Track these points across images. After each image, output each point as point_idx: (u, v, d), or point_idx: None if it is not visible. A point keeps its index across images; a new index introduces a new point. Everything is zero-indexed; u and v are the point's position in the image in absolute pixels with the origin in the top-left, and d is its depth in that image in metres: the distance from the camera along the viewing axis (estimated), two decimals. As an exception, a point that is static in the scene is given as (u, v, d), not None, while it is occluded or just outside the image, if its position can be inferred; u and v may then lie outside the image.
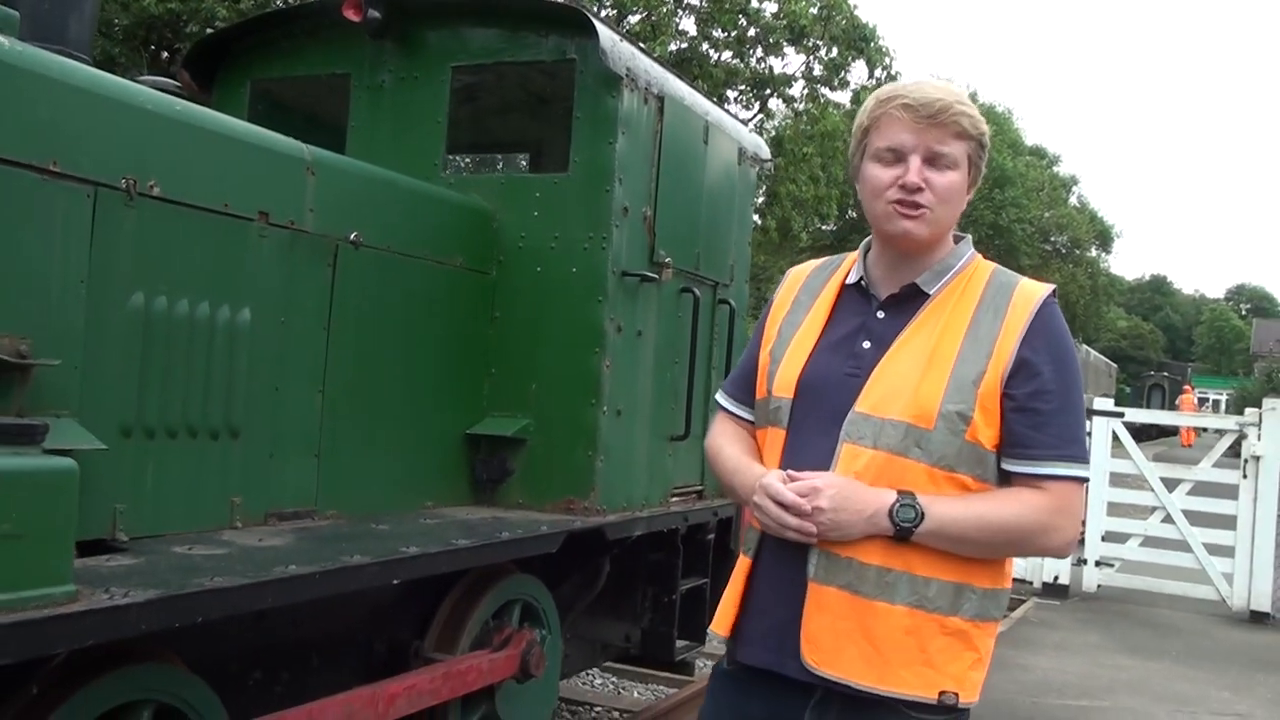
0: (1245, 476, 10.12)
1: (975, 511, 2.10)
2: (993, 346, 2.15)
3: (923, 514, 2.07)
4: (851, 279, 2.35)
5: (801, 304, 2.40)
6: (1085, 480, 2.19)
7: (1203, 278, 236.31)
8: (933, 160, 2.18)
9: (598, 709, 6.88)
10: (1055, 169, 44.66)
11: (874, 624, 2.10)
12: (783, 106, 20.73)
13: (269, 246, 3.76)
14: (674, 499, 5.52)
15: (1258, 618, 9.94)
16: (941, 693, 2.10)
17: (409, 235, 4.43)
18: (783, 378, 2.28)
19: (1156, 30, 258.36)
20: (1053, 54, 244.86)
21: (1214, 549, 10.29)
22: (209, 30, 20.45)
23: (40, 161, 3.01)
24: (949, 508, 2.09)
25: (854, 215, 26.76)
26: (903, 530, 2.07)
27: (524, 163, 6.76)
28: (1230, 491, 10.32)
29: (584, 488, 4.75)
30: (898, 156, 2.19)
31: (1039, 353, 2.15)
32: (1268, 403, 10.25)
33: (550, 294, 4.84)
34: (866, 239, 2.40)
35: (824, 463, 2.15)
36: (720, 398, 2.55)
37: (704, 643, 6.06)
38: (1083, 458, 2.17)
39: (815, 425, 2.21)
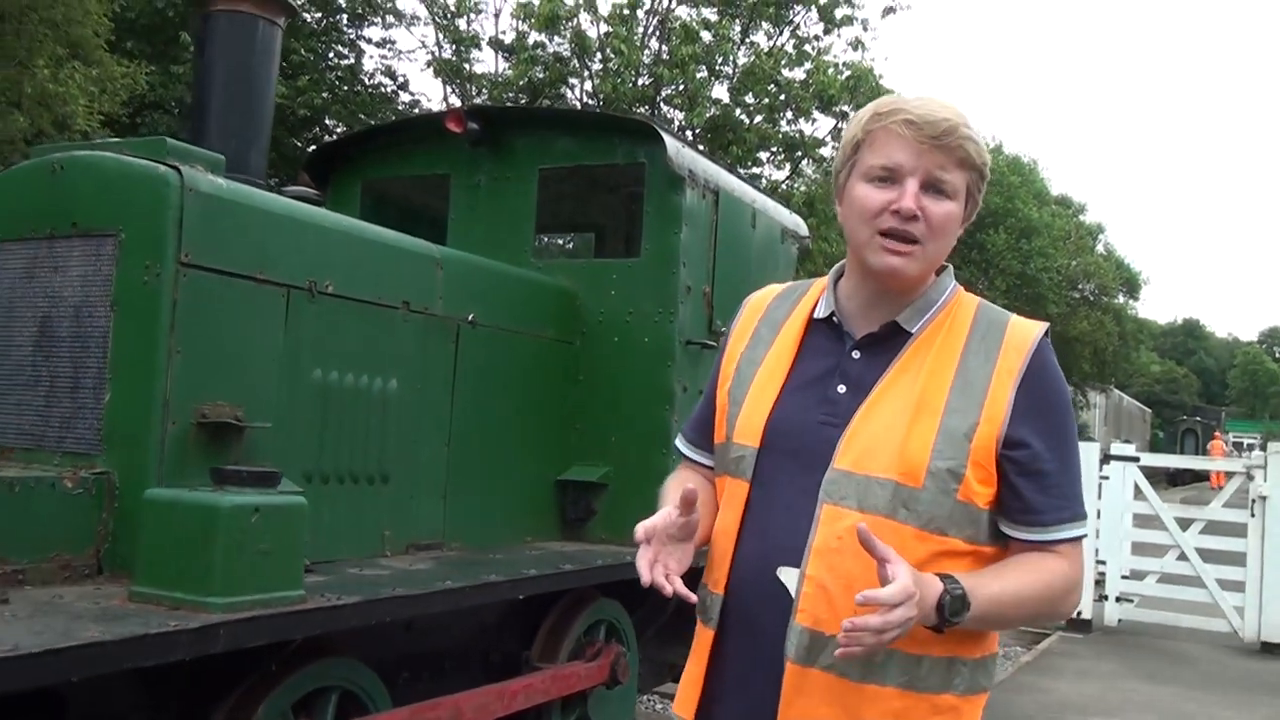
0: (1253, 515, 10.84)
1: (1011, 590, 1.92)
2: (985, 394, 1.95)
3: (969, 603, 1.85)
4: (821, 313, 2.13)
5: (762, 338, 2.18)
6: (1084, 536, 2.07)
7: (1236, 321, 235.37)
8: (931, 187, 1.96)
9: (661, 728, 7.67)
10: (1081, 217, 45.40)
11: (862, 709, 1.90)
12: (813, 167, 21.67)
13: (409, 328, 4.67)
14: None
15: (1269, 648, 10.63)
16: None
17: (511, 314, 5.33)
18: (746, 423, 2.07)
19: (1181, 76, 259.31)
20: (1077, 103, 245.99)
21: (1226, 584, 10.99)
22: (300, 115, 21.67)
23: (252, 272, 3.93)
24: (990, 589, 1.89)
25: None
26: (945, 624, 1.85)
27: (591, 242, 7.69)
28: (1240, 530, 11.03)
29: (658, 524, 5.60)
30: (893, 178, 1.96)
31: (1038, 404, 1.97)
32: (1272, 446, 11.00)
33: (626, 360, 5.71)
34: (839, 264, 2.18)
35: (800, 525, 1.94)
36: (679, 443, 2.35)
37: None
38: (1084, 515, 2.04)
39: (787, 481, 2.00)
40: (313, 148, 7.51)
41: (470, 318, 4.99)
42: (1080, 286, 40.11)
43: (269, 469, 3.48)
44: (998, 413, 1.93)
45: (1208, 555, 11.24)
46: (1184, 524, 11.44)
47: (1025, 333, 2.02)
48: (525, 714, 4.81)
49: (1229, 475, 12.08)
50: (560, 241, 7.43)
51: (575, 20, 19.00)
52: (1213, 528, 11.48)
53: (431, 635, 4.59)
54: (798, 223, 7.39)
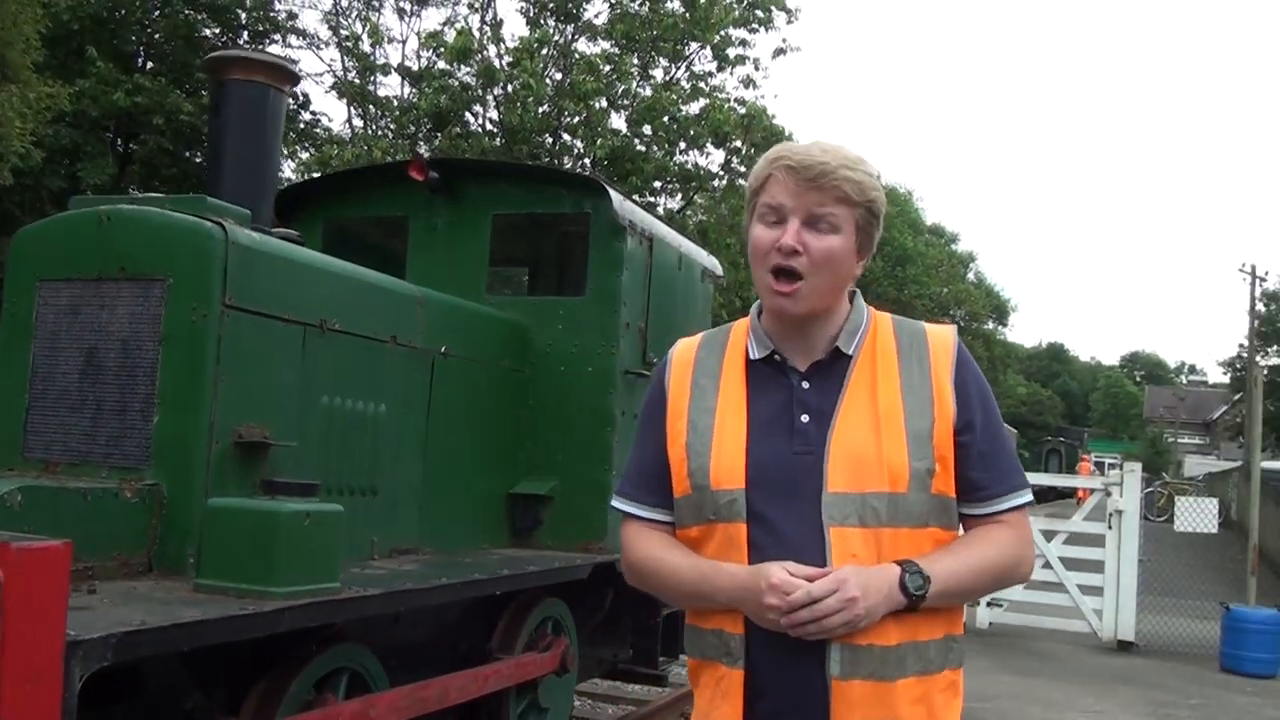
0: (1110, 528, 12.01)
1: (967, 562, 2.12)
2: (931, 395, 2.15)
3: (929, 578, 2.06)
4: (758, 354, 2.25)
5: (704, 388, 2.27)
6: (1031, 502, 2.26)
7: (1099, 345, 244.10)
8: (812, 223, 2.13)
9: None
10: (954, 246, 47.44)
11: (896, 704, 2.06)
12: (706, 198, 22.66)
13: (396, 359, 5.34)
14: (657, 543, 7.11)
15: (1124, 646, 11.79)
16: None
17: (475, 346, 6.02)
18: (724, 468, 2.16)
19: (1050, 108, 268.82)
20: (951, 137, 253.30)
21: (1086, 589, 12.12)
22: (169, 123, 21.85)
23: (278, 312, 4.58)
24: (946, 565, 2.09)
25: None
26: (915, 600, 2.04)
27: (525, 279, 8.38)
28: (1099, 540, 12.17)
29: (599, 533, 6.34)
30: (779, 217, 2.14)
31: (972, 394, 2.19)
32: (1127, 465, 12.19)
33: (571, 387, 6.43)
34: (755, 304, 2.31)
35: (812, 551, 2.07)
36: (626, 505, 2.37)
37: (677, 657, 7.64)
38: (1025, 484, 2.24)
39: (783, 514, 2.12)
40: (281, 188, 8.06)
41: (443, 349, 5.68)
42: (952, 312, 41.93)
43: (311, 482, 4.14)
44: (947, 407, 2.15)
45: (1070, 564, 12.37)
46: (1049, 535, 12.55)
47: (945, 336, 2.25)
48: (484, 700, 5.50)
49: (1092, 491, 13.25)
50: (510, 280, 8.09)
51: (484, 53, 19.68)
52: (1074, 539, 12.64)
53: (413, 628, 5.24)
54: (714, 263, 8.21)
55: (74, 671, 2.91)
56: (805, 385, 2.20)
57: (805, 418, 2.16)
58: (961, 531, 2.21)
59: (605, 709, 8.99)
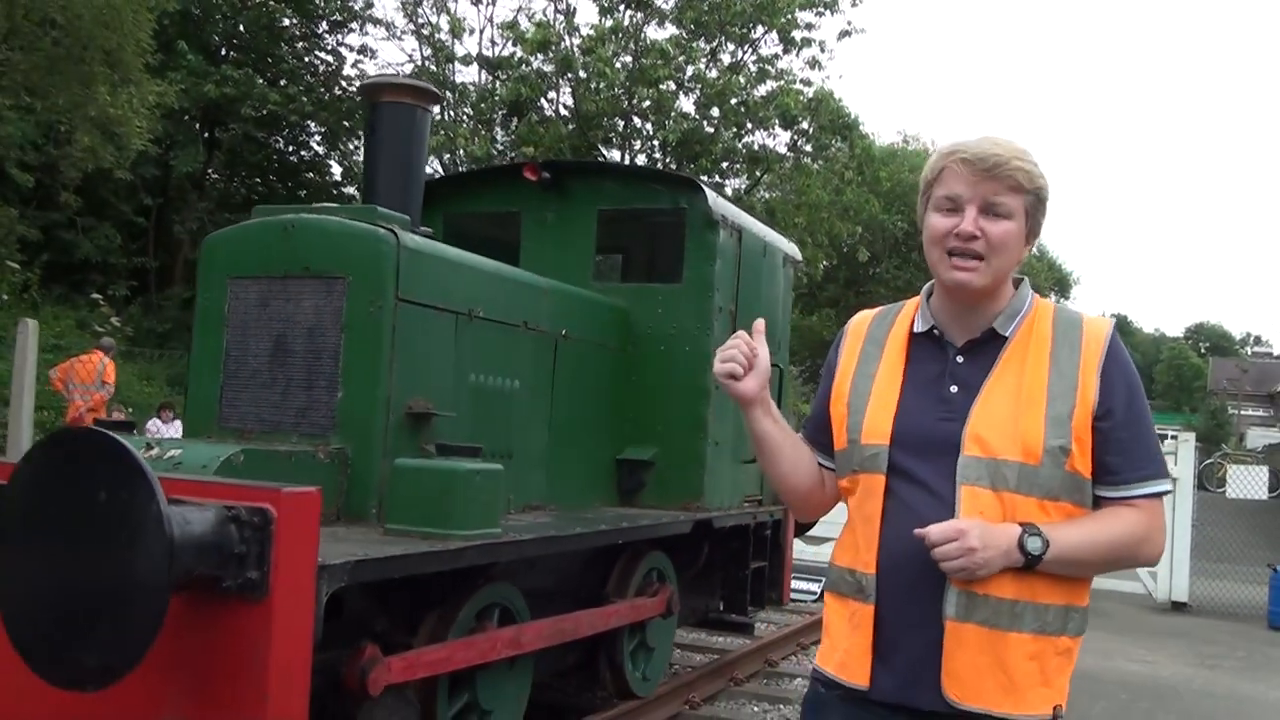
0: (1165, 494, 12.61)
1: (1089, 534, 2.25)
2: (1076, 381, 2.28)
3: (1048, 541, 2.20)
4: (921, 327, 2.45)
5: (870, 355, 2.50)
6: (1168, 493, 2.38)
7: (1163, 317, 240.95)
8: (988, 210, 2.30)
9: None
10: (1016, 219, 47.56)
11: (1006, 654, 2.21)
12: (773, 179, 23.32)
13: (526, 341, 6.17)
14: (746, 504, 7.92)
15: (1178, 606, 12.45)
16: (1055, 707, 2.26)
17: (588, 329, 6.83)
18: (874, 426, 2.38)
19: (1113, 80, 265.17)
20: (1016, 109, 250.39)
21: (1142, 553, 12.76)
22: (263, 114, 22.86)
23: (437, 303, 5.41)
24: (1067, 533, 2.23)
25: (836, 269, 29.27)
26: (1032, 560, 2.19)
27: (626, 268, 9.15)
28: (1155, 507, 12.80)
29: (696, 493, 7.14)
30: (955, 206, 2.32)
31: (1117, 385, 2.30)
32: (1181, 435, 12.80)
33: (671, 365, 7.22)
34: (928, 284, 2.50)
35: (944, 506, 2.26)
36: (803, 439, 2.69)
37: (763, 607, 8.46)
38: (1164, 475, 2.37)
39: (921, 470, 2.32)
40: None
41: (564, 332, 6.49)
42: (1015, 285, 42.25)
43: (475, 445, 4.97)
44: (1089, 395, 2.27)
45: (1127, 529, 13.01)
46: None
47: (1100, 328, 2.37)
48: (602, 637, 6.32)
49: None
50: (612, 269, 8.87)
51: (563, 43, 20.47)
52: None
53: (543, 574, 6.07)
54: (793, 249, 8.96)
55: (323, 588, 3.75)
56: (960, 359, 2.38)
57: (954, 388, 2.35)
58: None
59: (692, 658, 9.82)
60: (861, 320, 2.63)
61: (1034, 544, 2.19)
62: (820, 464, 2.62)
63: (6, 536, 3.40)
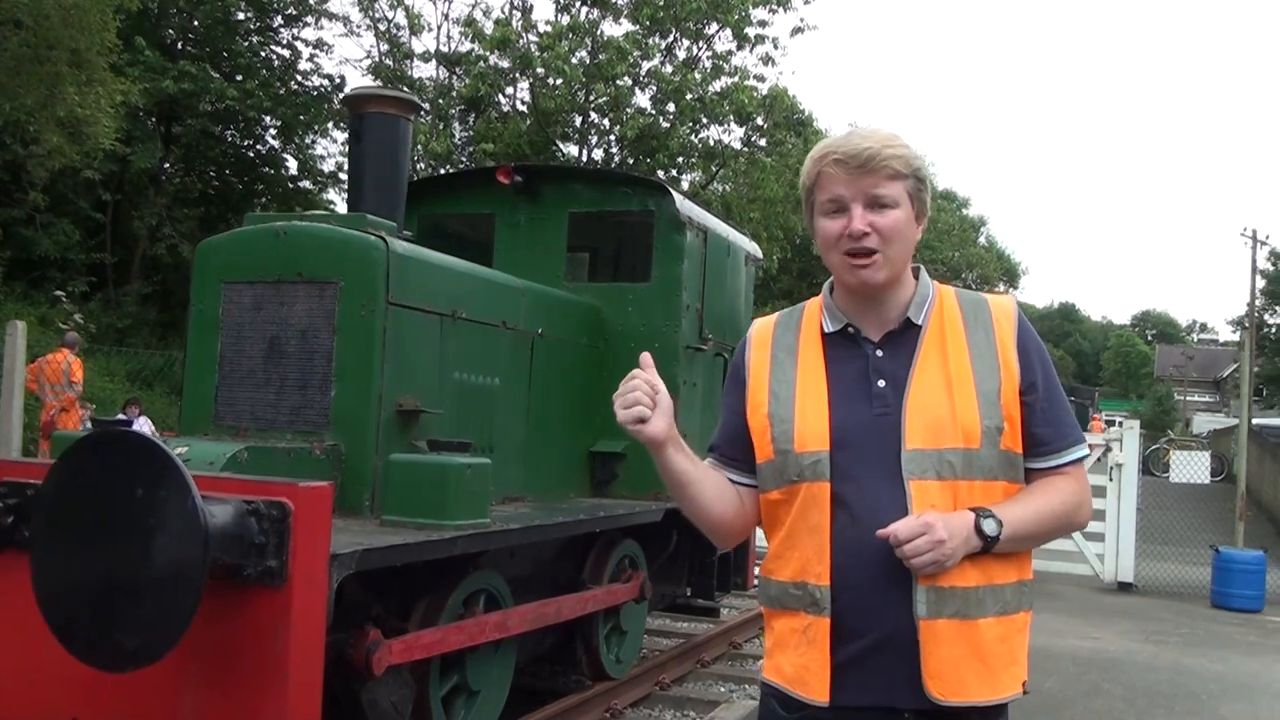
0: (1111, 479, 13.13)
1: (1034, 508, 2.28)
2: (997, 360, 2.31)
3: (1001, 522, 2.22)
4: (833, 327, 2.41)
5: (782, 361, 2.44)
6: (1088, 455, 2.40)
7: (1110, 305, 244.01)
8: (873, 204, 2.28)
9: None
10: (965, 211, 48.39)
11: (979, 641, 2.22)
12: (729, 174, 23.69)
13: (505, 340, 6.47)
14: (712, 493, 8.25)
15: (1124, 586, 12.96)
16: (1024, 683, 2.29)
17: (562, 327, 7.13)
18: (809, 432, 2.33)
19: (1058, 71, 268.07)
20: (963, 102, 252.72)
21: (1089, 535, 13.26)
22: (220, 109, 22.88)
23: (423, 306, 5.70)
24: (1015, 510, 2.26)
25: (790, 261, 29.71)
26: (990, 542, 2.20)
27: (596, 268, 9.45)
28: (1101, 492, 13.28)
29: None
30: (840, 207, 2.30)
31: (1033, 358, 2.35)
32: (1126, 422, 13.29)
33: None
34: (827, 282, 2.47)
35: (896, 505, 2.22)
36: (711, 462, 2.54)
37: (728, 592, 8.82)
38: (1082, 438, 2.41)
39: (867, 470, 2.27)
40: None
41: (540, 331, 6.79)
42: (964, 276, 42.92)
43: (465, 440, 5.26)
44: (1012, 371, 2.31)
45: (1074, 513, 13.50)
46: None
47: (1006, 304, 2.42)
48: (579, 621, 6.64)
49: (1094, 447, 14.38)
50: (583, 269, 9.16)
51: (522, 40, 20.71)
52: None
53: (522, 562, 6.38)
54: (754, 248, 9.31)
55: (334, 575, 4.04)
56: (879, 354, 2.36)
57: (881, 383, 2.32)
58: (1025, 484, 2.36)
59: (660, 642, 10.17)
60: (764, 327, 2.56)
61: (990, 525, 2.20)
62: (737, 482, 2.50)
63: (43, 533, 3.67)
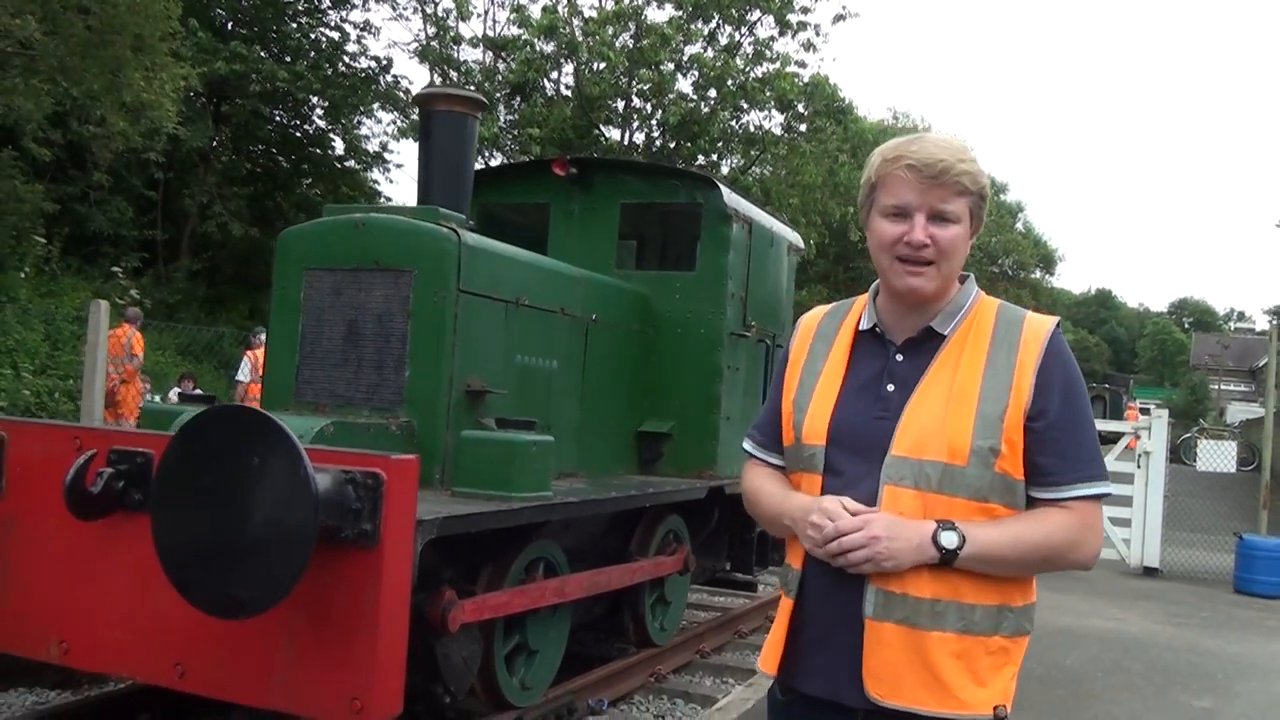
0: (1139, 467, 13.44)
1: (1012, 534, 2.21)
2: (1011, 381, 2.25)
3: (964, 537, 2.18)
4: (865, 325, 2.43)
5: (818, 352, 2.48)
6: (1106, 495, 2.30)
7: (1147, 292, 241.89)
8: (937, 217, 2.28)
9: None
10: (1002, 196, 48.43)
11: (929, 652, 2.20)
12: (769, 159, 24.01)
13: (563, 325, 6.89)
14: (752, 473, 8.66)
15: (1149, 571, 13.29)
16: (995, 708, 2.23)
17: (614, 313, 7.55)
18: (812, 425, 2.38)
19: (1096, 59, 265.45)
20: (1001, 87, 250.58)
21: (1117, 521, 13.58)
22: (269, 89, 23.34)
23: (490, 293, 6.12)
24: (987, 532, 2.20)
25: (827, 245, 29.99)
26: (948, 555, 2.18)
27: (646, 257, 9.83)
28: (1129, 479, 13.60)
29: (710, 462, 7.88)
30: (903, 214, 2.29)
31: (1053, 385, 2.26)
32: (1155, 412, 13.59)
33: (687, 346, 7.95)
34: (875, 283, 2.48)
35: (871, 505, 2.24)
36: (749, 446, 2.64)
37: (766, 567, 9.23)
38: (1100, 476, 2.29)
39: (852, 469, 2.30)
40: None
41: (594, 317, 7.21)
42: (1000, 261, 43.03)
43: (530, 419, 5.69)
44: (1023, 395, 2.24)
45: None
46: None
47: (1040, 326, 2.33)
48: (626, 591, 7.06)
49: (1123, 435, 14.68)
50: (633, 257, 9.56)
51: (569, 27, 21.08)
52: (1106, 476, 14.08)
53: (577, 534, 6.80)
54: (796, 238, 9.68)
55: (419, 540, 4.47)
56: (899, 358, 2.37)
57: (891, 387, 2.34)
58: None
59: (699, 614, 10.61)
60: (813, 317, 2.61)
61: (948, 539, 2.19)
62: (769, 462, 2.60)
63: (166, 497, 4.11)
